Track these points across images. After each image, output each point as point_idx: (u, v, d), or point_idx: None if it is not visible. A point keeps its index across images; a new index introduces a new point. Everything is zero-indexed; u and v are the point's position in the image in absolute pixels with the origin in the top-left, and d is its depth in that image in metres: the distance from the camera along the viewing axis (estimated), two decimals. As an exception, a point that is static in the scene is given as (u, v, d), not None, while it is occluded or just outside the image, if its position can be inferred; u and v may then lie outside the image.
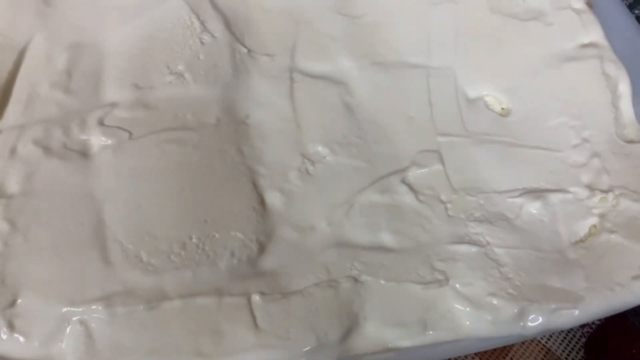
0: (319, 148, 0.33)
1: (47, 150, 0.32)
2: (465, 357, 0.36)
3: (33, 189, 0.30)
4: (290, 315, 0.28)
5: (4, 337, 0.27)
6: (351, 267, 0.29)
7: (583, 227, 0.32)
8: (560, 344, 0.36)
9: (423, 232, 0.31)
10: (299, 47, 0.36)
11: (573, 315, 0.29)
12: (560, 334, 0.37)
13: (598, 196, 0.33)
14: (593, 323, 0.35)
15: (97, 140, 0.32)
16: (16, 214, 0.30)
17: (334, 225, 0.31)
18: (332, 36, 0.37)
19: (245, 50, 0.36)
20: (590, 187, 0.33)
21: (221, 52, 0.35)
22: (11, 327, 0.27)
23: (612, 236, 0.32)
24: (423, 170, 0.33)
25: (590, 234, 0.32)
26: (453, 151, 0.34)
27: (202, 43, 0.36)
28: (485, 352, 0.36)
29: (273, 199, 0.31)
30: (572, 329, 0.37)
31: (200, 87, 0.34)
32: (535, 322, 0.29)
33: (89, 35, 0.35)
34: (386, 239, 0.31)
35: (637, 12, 0.46)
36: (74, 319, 0.27)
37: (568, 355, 0.36)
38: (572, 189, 0.33)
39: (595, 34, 0.38)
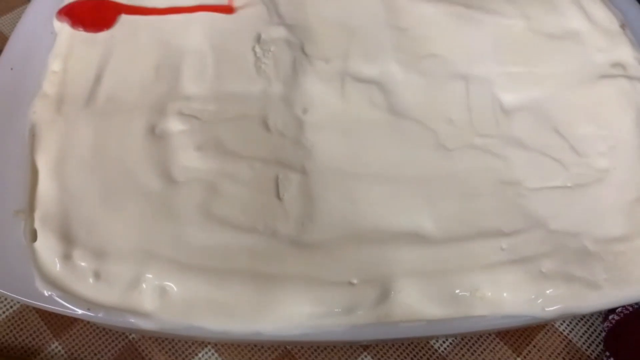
0: None
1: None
2: (491, 342, 0.39)
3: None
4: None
5: (91, 282, 0.31)
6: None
7: (607, 228, 0.35)
8: (581, 336, 0.39)
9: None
10: (351, 54, 0.41)
11: (591, 302, 0.32)
12: (582, 327, 0.39)
13: (621, 198, 0.36)
14: (612, 318, 0.38)
15: (174, 126, 0.37)
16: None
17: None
18: (381, 46, 0.41)
19: (304, 55, 0.41)
20: (615, 192, 0.36)
21: (284, 55, 0.40)
22: (97, 275, 0.32)
23: (637, 240, 0.34)
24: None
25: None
26: (490, 152, 0.37)
27: (269, 50, 0.41)
28: (510, 338, 0.39)
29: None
30: (593, 324, 0.39)
31: (265, 83, 0.39)
32: (555, 305, 0.32)
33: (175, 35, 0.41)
34: (427, 226, 0.34)
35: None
36: (151, 273, 0.32)
37: (588, 347, 0.39)
38: (597, 191, 0.36)
39: (626, 54, 0.41)
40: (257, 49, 0.41)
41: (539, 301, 0.32)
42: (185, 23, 0.41)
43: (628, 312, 0.37)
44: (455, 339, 0.39)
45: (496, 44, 0.41)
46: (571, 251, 0.34)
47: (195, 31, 0.41)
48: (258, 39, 0.41)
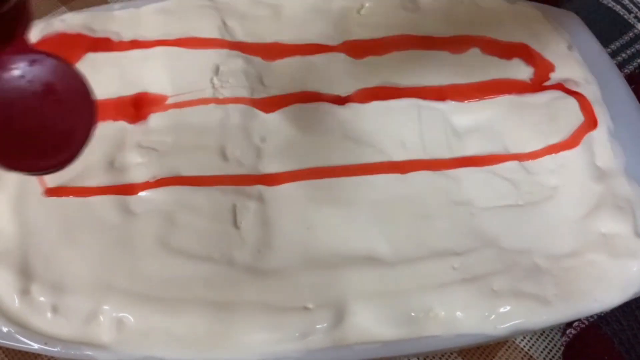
0: None
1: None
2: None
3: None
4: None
5: (49, 316, 0.32)
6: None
7: (558, 244, 0.36)
8: (542, 352, 0.40)
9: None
10: (308, 83, 0.42)
11: (542, 318, 0.33)
12: (542, 342, 0.40)
13: (571, 215, 0.37)
14: (570, 333, 0.38)
15: (132, 159, 0.38)
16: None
17: None
18: (337, 75, 0.42)
19: (262, 85, 0.42)
20: (564, 208, 0.37)
21: (242, 86, 0.41)
22: (55, 310, 0.32)
23: (587, 255, 0.35)
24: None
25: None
26: (442, 173, 0.38)
27: (227, 81, 0.42)
28: (472, 356, 0.39)
29: None
30: (553, 339, 0.40)
31: (223, 114, 0.40)
32: (506, 322, 0.33)
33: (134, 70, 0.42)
34: (381, 248, 0.35)
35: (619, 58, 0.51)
36: (108, 305, 0.32)
37: (549, 362, 0.39)
38: (547, 208, 0.37)
39: (573, 74, 0.42)
40: (215, 81, 0.41)
41: (491, 319, 0.33)
42: (144, 58, 0.42)
43: (584, 325, 0.38)
44: (418, 358, 0.40)
45: (448, 69, 0.43)
46: (522, 268, 0.35)
47: (154, 65, 0.42)
48: (216, 71, 0.42)
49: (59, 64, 0.25)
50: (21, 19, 0.24)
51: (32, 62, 0.25)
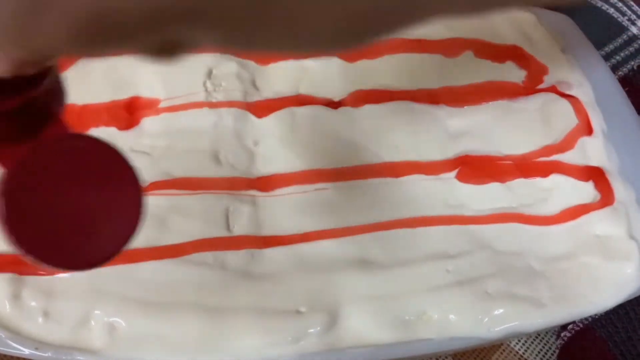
0: None
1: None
2: (447, 363, 0.39)
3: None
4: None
5: (40, 321, 0.32)
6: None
7: (552, 247, 0.36)
8: (536, 355, 0.40)
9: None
10: (301, 87, 0.42)
11: (535, 321, 0.33)
12: (537, 345, 0.40)
13: (567, 219, 0.37)
14: (564, 335, 0.38)
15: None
16: None
17: None
18: (330, 78, 0.42)
19: (255, 89, 0.42)
20: (558, 210, 0.37)
21: (235, 89, 0.41)
22: (46, 314, 0.32)
23: (581, 257, 0.35)
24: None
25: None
26: (435, 176, 0.38)
27: (220, 85, 0.42)
28: (467, 359, 0.39)
29: None
30: (547, 342, 0.40)
31: (216, 117, 0.39)
32: (500, 325, 0.33)
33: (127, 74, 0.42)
34: (375, 251, 0.35)
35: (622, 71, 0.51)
36: (99, 310, 0.32)
37: (544, 365, 0.39)
38: (541, 210, 0.37)
39: (566, 76, 0.42)
40: (208, 84, 0.41)
41: (485, 322, 0.33)
42: (137, 62, 0.42)
43: (579, 328, 0.38)
44: (413, 362, 0.40)
45: (441, 70, 0.43)
46: (516, 271, 0.34)
47: (146, 69, 0.42)
48: (209, 75, 0.42)
49: (101, 146, 0.22)
50: (57, 99, 0.21)
51: (71, 145, 0.22)
